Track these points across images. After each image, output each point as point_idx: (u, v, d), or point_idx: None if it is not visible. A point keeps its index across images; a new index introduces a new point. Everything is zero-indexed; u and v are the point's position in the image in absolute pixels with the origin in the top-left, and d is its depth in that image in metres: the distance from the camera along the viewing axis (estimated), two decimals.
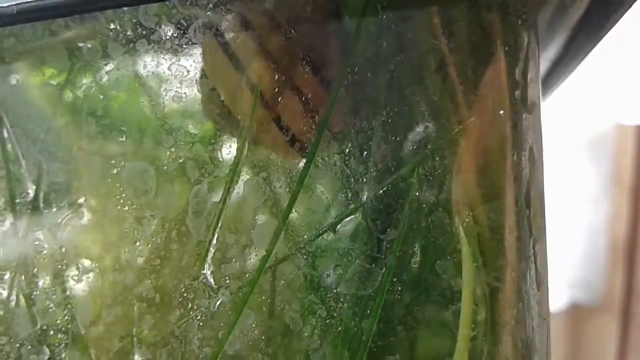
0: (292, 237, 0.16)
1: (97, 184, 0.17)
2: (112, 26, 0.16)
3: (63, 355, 0.17)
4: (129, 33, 0.16)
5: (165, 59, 0.16)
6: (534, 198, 0.17)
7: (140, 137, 0.16)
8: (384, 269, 0.16)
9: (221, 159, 0.16)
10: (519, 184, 0.16)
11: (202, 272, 0.16)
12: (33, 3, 0.14)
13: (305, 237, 0.16)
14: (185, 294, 0.16)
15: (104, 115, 0.16)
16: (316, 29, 0.16)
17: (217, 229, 0.16)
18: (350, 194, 0.16)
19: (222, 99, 0.16)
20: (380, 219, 0.16)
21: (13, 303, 0.17)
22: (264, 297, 0.16)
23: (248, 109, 0.16)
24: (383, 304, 0.16)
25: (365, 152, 0.16)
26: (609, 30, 0.19)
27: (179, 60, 0.16)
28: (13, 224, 0.17)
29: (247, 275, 0.16)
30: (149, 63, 0.16)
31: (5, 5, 0.14)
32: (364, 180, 0.16)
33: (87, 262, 0.17)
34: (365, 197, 0.16)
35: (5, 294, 0.17)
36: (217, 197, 0.16)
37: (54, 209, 0.17)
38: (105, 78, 0.16)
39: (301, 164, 0.16)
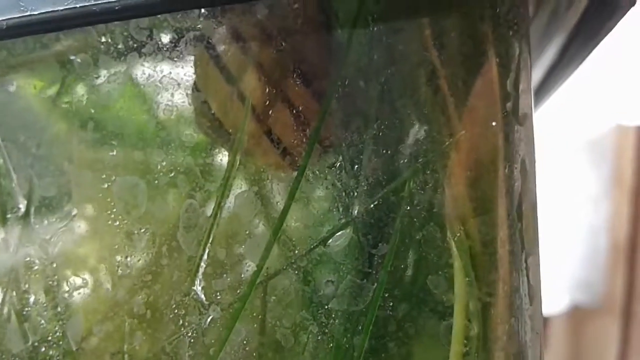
0: (284, 252, 0.16)
1: (88, 199, 0.16)
2: (103, 39, 0.16)
3: None
4: (120, 46, 0.16)
5: (157, 72, 0.16)
6: (526, 211, 0.17)
7: (131, 151, 0.16)
8: (376, 284, 0.15)
9: (212, 173, 0.16)
10: (511, 197, 0.16)
11: (193, 287, 0.16)
12: (23, 18, 0.14)
13: (297, 251, 0.16)
14: (176, 310, 0.16)
15: (95, 129, 0.16)
16: (307, 41, 0.16)
17: (208, 244, 0.16)
18: (341, 208, 0.16)
19: (213, 111, 0.16)
20: (371, 233, 0.16)
21: (4, 318, 0.17)
22: (255, 313, 0.16)
23: (239, 121, 0.16)
24: (375, 319, 0.15)
25: (356, 166, 0.16)
26: (605, 35, 0.19)
27: (170, 73, 0.16)
28: (4, 239, 0.17)
29: (239, 291, 0.16)
30: (140, 76, 0.16)
31: None
32: (355, 194, 0.16)
33: (78, 278, 0.17)
34: (356, 211, 0.16)
35: None
36: (208, 211, 0.16)
37: (45, 224, 0.17)
38: (96, 91, 0.16)
39: (292, 178, 0.16)
